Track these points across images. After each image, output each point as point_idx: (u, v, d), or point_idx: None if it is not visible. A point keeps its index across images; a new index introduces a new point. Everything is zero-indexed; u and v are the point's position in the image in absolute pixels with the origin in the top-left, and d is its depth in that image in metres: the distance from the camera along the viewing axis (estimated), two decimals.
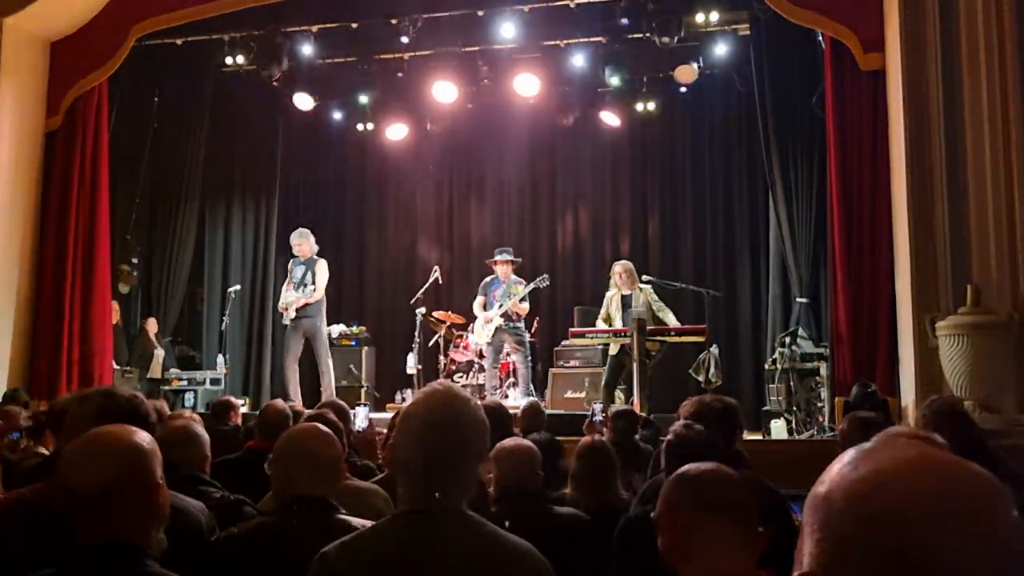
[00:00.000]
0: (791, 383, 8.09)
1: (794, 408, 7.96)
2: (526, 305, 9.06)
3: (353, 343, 10.53)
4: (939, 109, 6.41)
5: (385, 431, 3.96)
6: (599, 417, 5.42)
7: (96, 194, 8.99)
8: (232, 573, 2.16)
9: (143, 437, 1.74)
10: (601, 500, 3.33)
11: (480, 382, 9.56)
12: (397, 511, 1.73)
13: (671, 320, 8.25)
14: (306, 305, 8.90)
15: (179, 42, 9.66)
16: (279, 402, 5.01)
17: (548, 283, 9.27)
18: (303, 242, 9.22)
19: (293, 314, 8.89)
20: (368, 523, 2.30)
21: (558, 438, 5.25)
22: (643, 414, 6.10)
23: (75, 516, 1.65)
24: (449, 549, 1.64)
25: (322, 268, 9.09)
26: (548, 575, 1.72)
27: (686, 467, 1.62)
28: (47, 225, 8.79)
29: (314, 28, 9.85)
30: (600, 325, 8.46)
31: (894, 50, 6.84)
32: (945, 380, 6.26)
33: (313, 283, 8.96)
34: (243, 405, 8.53)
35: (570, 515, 3.04)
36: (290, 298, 8.96)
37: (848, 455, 0.85)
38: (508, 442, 3.29)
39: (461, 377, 9.98)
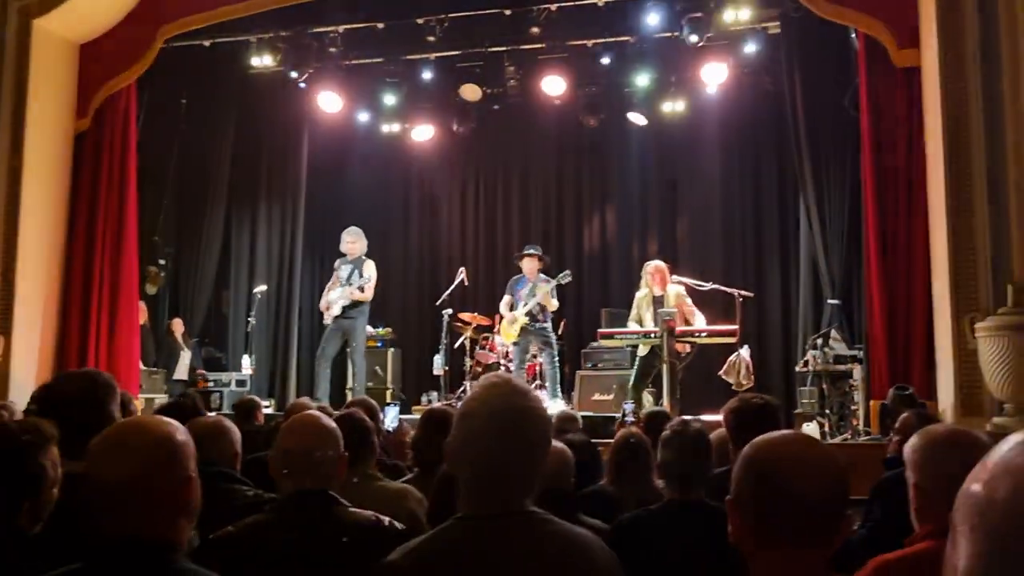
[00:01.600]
0: (823, 386, 7.95)
1: (827, 411, 7.82)
2: (555, 301, 8.97)
3: (379, 344, 10.48)
4: (978, 104, 6.24)
5: (415, 431, 3.90)
6: (631, 418, 5.33)
7: (124, 195, 9.01)
8: (228, 570, 2.10)
9: (175, 429, 1.68)
10: (639, 493, 3.26)
11: None
12: (462, 514, 1.63)
13: (701, 321, 8.12)
14: (353, 305, 8.75)
15: (207, 44, 9.70)
16: (307, 400, 4.97)
17: (570, 279, 9.14)
18: (356, 240, 9.05)
19: (337, 311, 8.77)
20: (379, 516, 2.25)
21: None
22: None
23: (101, 510, 1.58)
24: (522, 551, 1.57)
25: (371, 268, 8.95)
26: (615, 566, 1.65)
27: (760, 448, 1.49)
28: (76, 226, 8.81)
29: (340, 29, 9.84)
30: (632, 326, 8.33)
31: (930, 45, 6.68)
32: (985, 383, 6.11)
33: (361, 280, 8.78)
34: (268, 406, 8.52)
35: (594, 527, 2.94)
36: (333, 296, 8.84)
37: (1002, 446, 0.75)
38: None
39: None
